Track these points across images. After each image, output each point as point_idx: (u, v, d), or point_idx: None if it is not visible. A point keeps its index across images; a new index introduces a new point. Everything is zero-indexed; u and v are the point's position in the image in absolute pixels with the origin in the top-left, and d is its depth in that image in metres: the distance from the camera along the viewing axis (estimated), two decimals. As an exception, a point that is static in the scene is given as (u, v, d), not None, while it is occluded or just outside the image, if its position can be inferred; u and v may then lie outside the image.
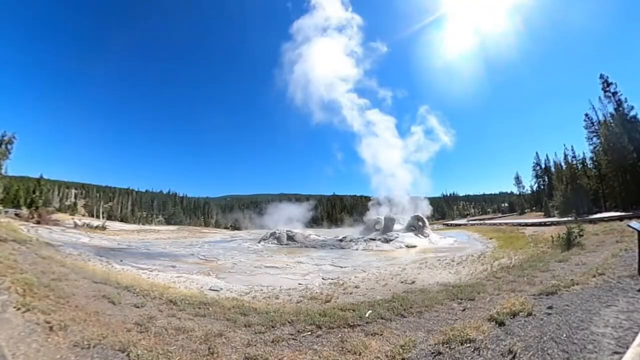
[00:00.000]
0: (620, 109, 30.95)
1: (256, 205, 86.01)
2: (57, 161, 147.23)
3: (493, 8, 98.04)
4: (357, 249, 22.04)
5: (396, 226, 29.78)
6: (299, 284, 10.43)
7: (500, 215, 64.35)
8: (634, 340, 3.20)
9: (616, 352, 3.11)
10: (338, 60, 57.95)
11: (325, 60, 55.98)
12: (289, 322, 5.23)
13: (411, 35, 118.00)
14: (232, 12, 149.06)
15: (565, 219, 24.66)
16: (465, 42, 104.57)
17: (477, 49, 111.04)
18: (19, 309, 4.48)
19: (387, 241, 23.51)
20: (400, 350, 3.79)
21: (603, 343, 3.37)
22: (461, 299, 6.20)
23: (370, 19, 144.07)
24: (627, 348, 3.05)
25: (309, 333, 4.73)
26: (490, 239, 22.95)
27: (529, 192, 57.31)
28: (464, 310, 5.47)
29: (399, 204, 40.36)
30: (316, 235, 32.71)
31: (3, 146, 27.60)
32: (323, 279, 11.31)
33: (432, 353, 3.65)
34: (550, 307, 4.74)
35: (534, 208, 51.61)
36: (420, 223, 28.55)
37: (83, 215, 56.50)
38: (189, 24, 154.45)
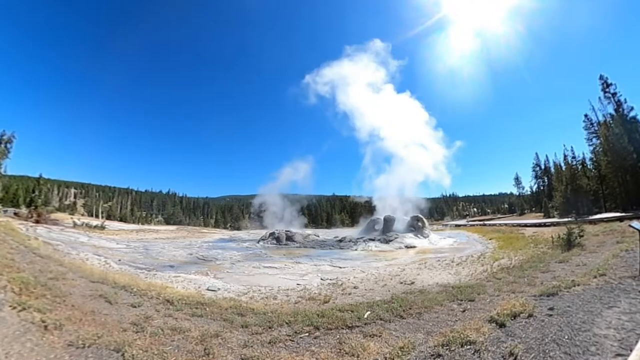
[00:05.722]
0: (620, 109, 30.95)
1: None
2: (56, 160, 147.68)
3: (494, 10, 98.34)
4: (356, 249, 21.98)
5: (396, 226, 29.75)
6: (297, 284, 10.36)
7: (499, 216, 64.34)
8: (637, 342, 3.15)
9: (619, 354, 3.06)
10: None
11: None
12: (286, 323, 5.17)
13: (412, 38, 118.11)
14: (234, 15, 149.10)
15: (565, 219, 24.62)
16: (466, 44, 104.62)
17: (478, 51, 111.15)
18: (14, 307, 4.44)
19: (386, 241, 23.46)
20: (399, 352, 3.72)
21: (606, 345, 3.31)
22: (461, 300, 6.14)
23: (370, 22, 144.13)
24: (631, 350, 3.00)
25: (307, 334, 4.67)
26: (490, 239, 22.90)
27: (529, 192, 57.48)
28: (464, 311, 5.42)
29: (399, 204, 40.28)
30: (315, 235, 32.69)
31: (2, 145, 27.54)
32: (322, 279, 11.25)
33: (432, 355, 3.59)
34: (551, 309, 4.69)
35: (533, 209, 51.62)
36: (419, 223, 28.53)
37: (82, 215, 56.41)
38: (188, 25, 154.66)
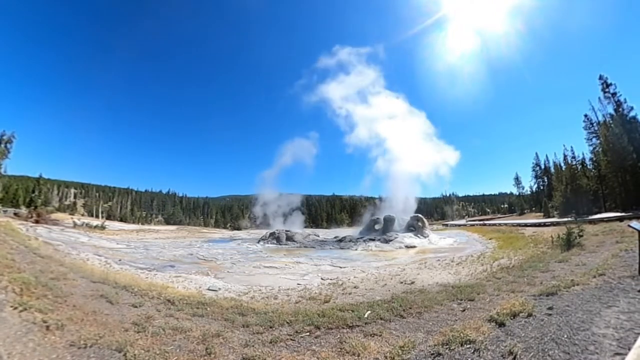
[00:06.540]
0: (620, 109, 30.97)
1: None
2: (56, 160, 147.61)
3: (493, 9, 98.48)
4: (356, 249, 22.01)
5: (395, 226, 29.79)
6: (298, 284, 10.39)
7: (499, 215, 64.37)
8: (635, 341, 3.16)
9: (618, 354, 3.08)
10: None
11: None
12: (287, 322, 5.19)
13: (411, 37, 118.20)
14: (233, 15, 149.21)
15: (565, 219, 24.64)
16: (466, 43, 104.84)
17: (478, 50, 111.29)
18: (15, 308, 4.44)
19: (386, 241, 23.49)
20: (400, 351, 3.74)
21: (604, 344, 3.33)
22: (461, 300, 6.17)
23: (369, 22, 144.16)
24: (629, 349, 3.02)
25: (308, 334, 4.69)
26: (490, 239, 22.93)
27: (529, 192, 57.50)
28: (463, 310, 5.44)
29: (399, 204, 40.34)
30: (315, 235, 32.72)
31: (2, 145, 27.61)
32: (322, 279, 11.28)
33: (432, 354, 3.61)
34: (550, 308, 4.71)
35: (533, 209, 51.61)
36: (419, 223, 28.56)
37: (82, 215, 56.45)
38: (189, 26, 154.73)
